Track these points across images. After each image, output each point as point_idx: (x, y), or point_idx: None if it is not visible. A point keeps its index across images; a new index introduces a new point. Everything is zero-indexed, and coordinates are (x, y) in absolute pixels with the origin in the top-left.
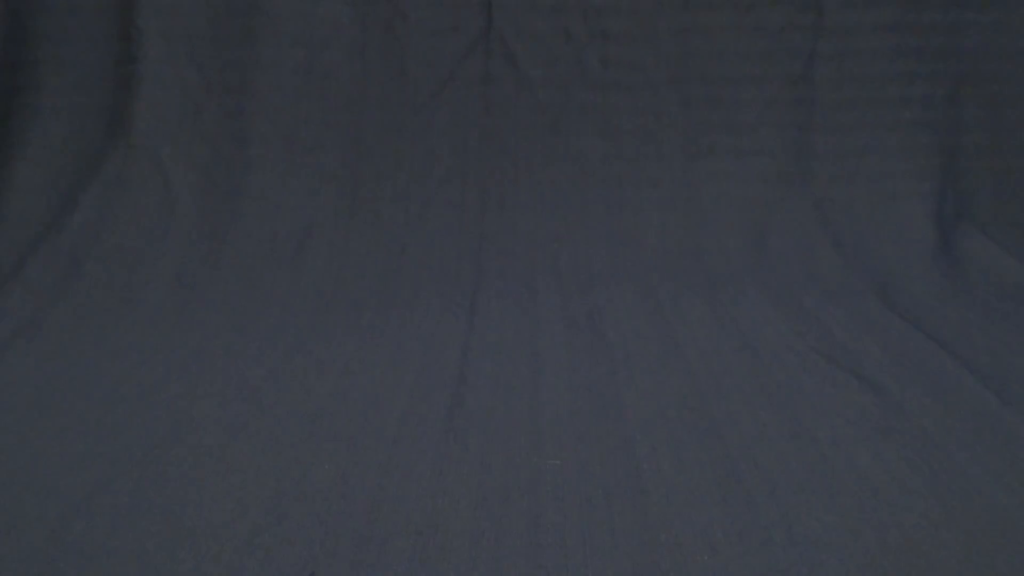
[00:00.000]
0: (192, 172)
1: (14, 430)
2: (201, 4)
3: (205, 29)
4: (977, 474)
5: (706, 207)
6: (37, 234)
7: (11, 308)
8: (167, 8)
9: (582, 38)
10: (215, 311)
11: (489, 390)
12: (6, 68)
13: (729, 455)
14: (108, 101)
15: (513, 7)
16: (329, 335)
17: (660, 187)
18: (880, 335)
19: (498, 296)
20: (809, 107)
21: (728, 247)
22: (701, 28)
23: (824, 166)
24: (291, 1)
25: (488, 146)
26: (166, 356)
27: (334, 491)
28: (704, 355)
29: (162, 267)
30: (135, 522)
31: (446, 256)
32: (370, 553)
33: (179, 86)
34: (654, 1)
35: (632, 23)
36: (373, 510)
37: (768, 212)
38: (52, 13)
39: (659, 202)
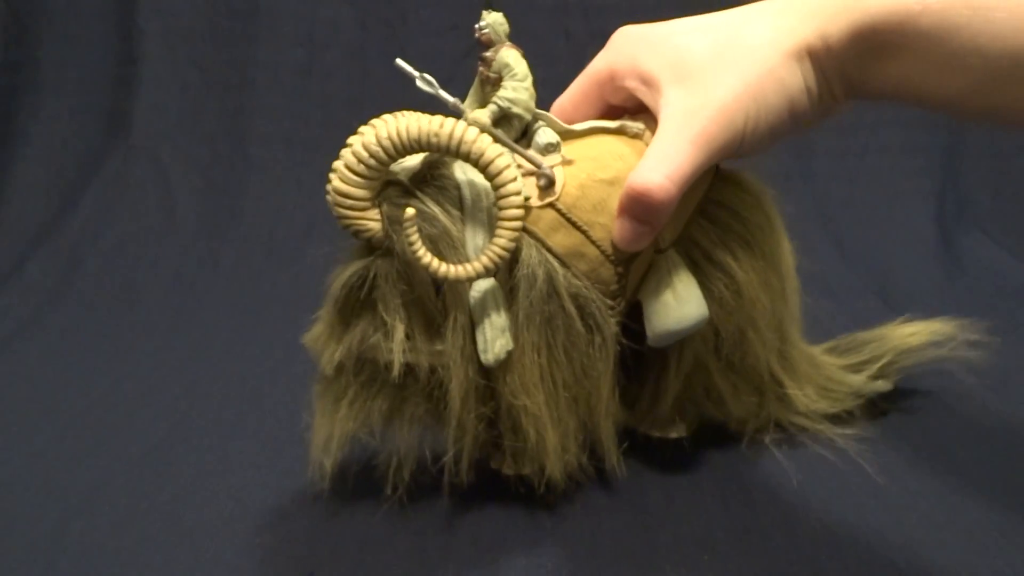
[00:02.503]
0: (192, 172)
1: (14, 430)
2: (201, 4)
3: (205, 29)
4: (977, 474)
5: None
6: (37, 234)
7: (11, 308)
8: (167, 8)
9: (582, 38)
10: (215, 311)
11: None
12: (7, 68)
13: (729, 454)
14: (108, 101)
15: (513, 7)
16: None
17: None
18: None
19: None
20: None
21: None
22: None
23: (824, 165)
24: (291, 1)
25: None
26: (166, 356)
27: (335, 491)
28: None
29: (162, 267)
30: (135, 522)
31: None
32: (370, 553)
33: (179, 86)
34: (654, 1)
35: (632, 23)
36: (373, 510)
37: None
38: (53, 13)
39: None
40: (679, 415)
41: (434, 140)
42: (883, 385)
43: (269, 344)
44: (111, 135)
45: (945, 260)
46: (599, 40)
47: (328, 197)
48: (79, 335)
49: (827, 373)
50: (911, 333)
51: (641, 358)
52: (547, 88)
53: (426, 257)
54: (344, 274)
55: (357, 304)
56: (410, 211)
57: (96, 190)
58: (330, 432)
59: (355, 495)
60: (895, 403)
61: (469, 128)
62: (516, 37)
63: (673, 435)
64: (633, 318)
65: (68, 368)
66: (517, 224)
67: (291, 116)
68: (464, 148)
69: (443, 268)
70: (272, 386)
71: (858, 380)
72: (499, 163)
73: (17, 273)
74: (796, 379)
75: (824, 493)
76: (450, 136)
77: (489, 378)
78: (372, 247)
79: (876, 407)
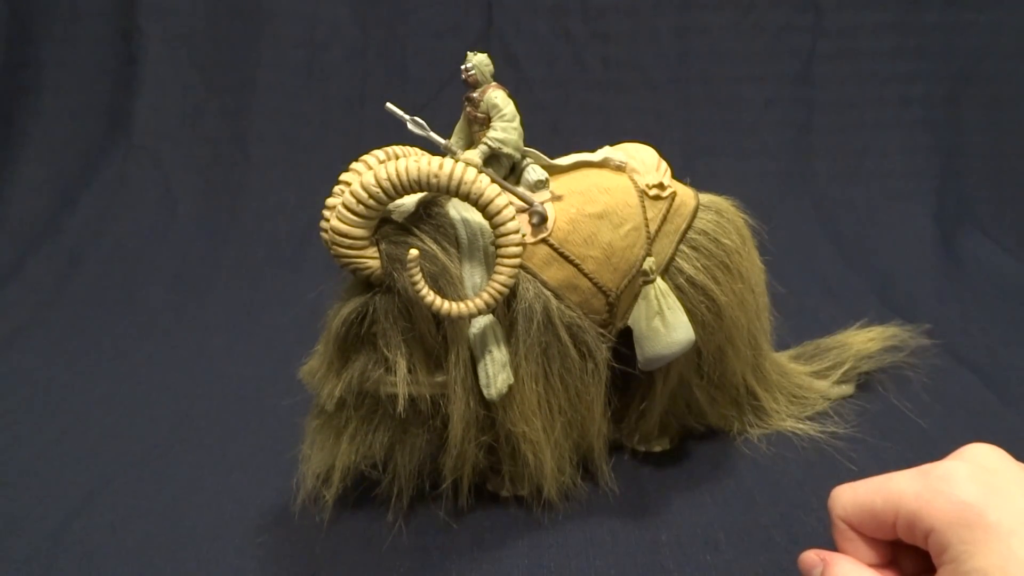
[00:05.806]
0: (192, 172)
1: (14, 430)
2: (201, 4)
3: (205, 29)
4: None
5: None
6: (37, 234)
7: (11, 308)
8: (167, 9)
9: (582, 38)
10: (215, 311)
11: None
12: (8, 68)
13: (729, 454)
14: (108, 101)
15: (513, 7)
16: None
17: None
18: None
19: None
20: (809, 107)
21: None
22: (701, 28)
23: (824, 165)
24: (291, 1)
25: None
26: (166, 356)
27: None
28: None
29: (162, 267)
30: (135, 522)
31: None
32: (372, 554)
33: (179, 86)
34: (654, 1)
35: (632, 23)
36: (375, 510)
37: (768, 211)
38: (54, 14)
39: None
40: (662, 429)
41: (434, 180)
42: (847, 389)
43: (269, 344)
44: (111, 135)
45: (945, 260)
46: (599, 40)
47: (325, 236)
48: (79, 335)
49: (796, 380)
50: (870, 339)
51: (628, 378)
52: (547, 88)
53: (429, 296)
54: (343, 311)
55: (356, 340)
56: (413, 252)
57: (96, 190)
58: (331, 465)
59: (356, 496)
60: (895, 404)
61: (468, 168)
62: (516, 37)
63: (657, 448)
64: (623, 342)
65: (68, 368)
66: (516, 261)
67: (291, 116)
68: (464, 188)
69: (446, 306)
70: (272, 386)
71: (824, 385)
72: (498, 203)
73: (17, 273)
74: (769, 389)
75: (824, 492)
76: (450, 176)
77: (489, 408)
78: (370, 284)
79: (877, 409)
